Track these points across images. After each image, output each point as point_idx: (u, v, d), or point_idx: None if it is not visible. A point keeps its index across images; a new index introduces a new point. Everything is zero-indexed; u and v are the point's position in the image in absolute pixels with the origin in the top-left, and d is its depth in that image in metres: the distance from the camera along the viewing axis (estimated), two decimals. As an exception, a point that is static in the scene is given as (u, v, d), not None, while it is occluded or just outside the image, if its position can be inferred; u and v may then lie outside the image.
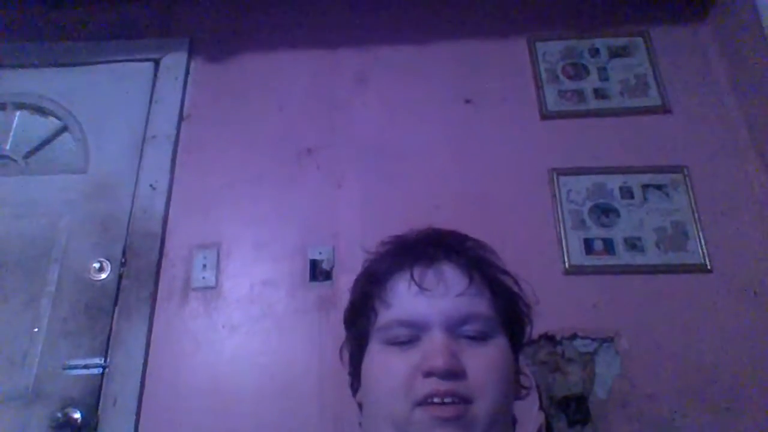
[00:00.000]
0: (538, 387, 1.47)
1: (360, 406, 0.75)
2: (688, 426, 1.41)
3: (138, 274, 1.68)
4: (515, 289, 0.73)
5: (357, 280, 0.77)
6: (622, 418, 1.44)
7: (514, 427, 0.70)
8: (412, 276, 0.67)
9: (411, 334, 0.65)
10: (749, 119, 1.75)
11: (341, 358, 0.78)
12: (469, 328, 0.65)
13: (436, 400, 0.60)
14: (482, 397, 0.61)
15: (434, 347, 0.62)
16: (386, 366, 0.65)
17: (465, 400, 0.60)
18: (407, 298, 0.67)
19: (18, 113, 1.96)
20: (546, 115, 1.84)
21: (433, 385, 0.60)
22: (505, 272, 0.73)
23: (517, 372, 0.71)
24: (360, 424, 0.77)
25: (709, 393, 1.44)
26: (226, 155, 1.86)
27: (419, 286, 0.67)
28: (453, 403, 0.60)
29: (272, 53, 2.03)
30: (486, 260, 0.72)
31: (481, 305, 0.67)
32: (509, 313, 0.70)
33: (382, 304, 0.69)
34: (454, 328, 0.65)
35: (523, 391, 0.73)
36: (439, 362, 0.61)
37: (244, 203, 1.78)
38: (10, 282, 1.67)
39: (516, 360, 0.71)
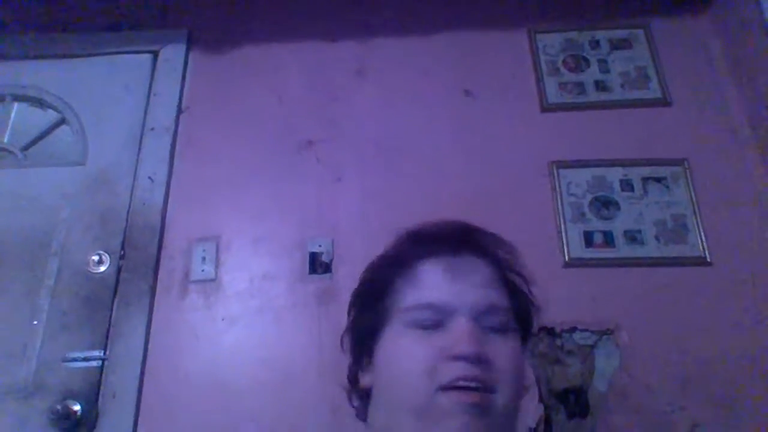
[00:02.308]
0: (537, 379, 1.47)
1: (356, 394, 0.76)
2: (687, 418, 1.41)
3: (137, 267, 1.67)
4: (525, 290, 0.76)
5: (377, 264, 0.79)
6: (621, 411, 1.44)
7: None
8: (443, 263, 0.70)
9: (437, 319, 0.67)
10: (750, 112, 1.75)
11: (342, 346, 0.79)
12: (492, 319, 0.67)
13: (462, 383, 0.61)
14: (503, 388, 0.63)
15: (463, 332, 0.64)
16: (410, 348, 0.66)
17: (488, 389, 0.62)
18: (437, 283, 0.69)
19: (16, 105, 1.95)
20: (546, 108, 1.83)
21: (461, 369, 0.62)
22: (520, 273, 0.76)
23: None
24: (355, 408, 0.77)
25: (708, 386, 1.44)
26: (225, 147, 1.85)
27: (444, 269, 0.69)
28: (477, 389, 0.61)
29: (271, 45, 2.01)
30: (506, 259, 0.75)
31: (502, 299, 0.70)
32: (520, 311, 0.73)
33: (410, 286, 0.70)
34: (478, 317, 0.67)
35: (524, 391, 0.74)
36: (470, 347, 0.63)
37: (244, 195, 1.78)
38: (9, 275, 1.67)
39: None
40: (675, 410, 1.43)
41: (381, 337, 0.70)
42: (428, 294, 0.68)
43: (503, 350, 0.65)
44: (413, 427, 0.62)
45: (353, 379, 0.77)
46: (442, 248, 0.72)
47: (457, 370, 0.62)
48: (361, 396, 0.76)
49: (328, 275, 1.65)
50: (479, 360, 0.62)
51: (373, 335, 0.72)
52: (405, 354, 0.66)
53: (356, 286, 0.81)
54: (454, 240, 0.74)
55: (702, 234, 1.60)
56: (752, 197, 1.66)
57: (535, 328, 0.78)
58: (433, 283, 0.69)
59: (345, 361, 0.80)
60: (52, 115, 1.93)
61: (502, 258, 0.75)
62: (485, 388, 0.62)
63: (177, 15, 2.08)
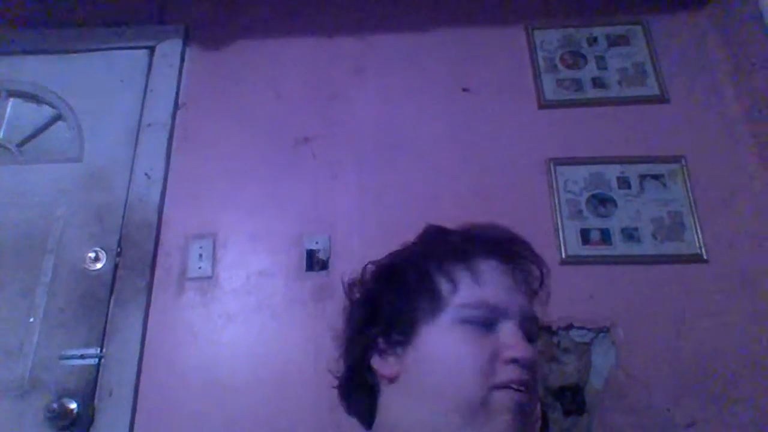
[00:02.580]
0: (534, 377, 1.48)
1: (356, 381, 0.74)
2: (684, 416, 1.42)
3: (134, 264, 1.67)
4: (545, 308, 0.78)
5: (410, 253, 0.77)
6: (617, 408, 1.44)
7: None
8: (501, 265, 0.72)
9: (491, 318, 0.68)
10: (747, 109, 1.74)
11: (345, 323, 0.79)
12: (530, 328, 0.70)
13: (513, 386, 0.64)
14: (535, 391, 0.67)
15: (517, 336, 0.67)
16: (464, 345, 0.66)
17: (531, 390, 0.65)
18: (495, 284, 0.70)
19: (11, 101, 1.94)
20: (544, 104, 1.83)
21: (516, 372, 0.64)
22: (546, 291, 0.78)
23: None
24: (354, 406, 0.76)
25: (704, 383, 1.45)
26: (221, 144, 1.84)
27: (506, 275, 0.71)
28: (523, 390, 0.64)
29: (268, 41, 2.01)
30: (542, 275, 0.77)
31: (535, 310, 0.73)
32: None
33: (468, 283, 0.70)
34: (523, 323, 0.69)
35: None
36: (526, 352, 0.65)
37: (240, 192, 1.77)
38: (5, 272, 1.67)
39: None
40: (671, 407, 1.43)
41: (424, 328, 0.68)
42: (488, 292, 0.69)
43: (535, 357, 0.68)
44: (454, 425, 0.62)
45: (356, 364, 0.74)
46: (497, 250, 0.73)
47: (511, 373, 0.64)
48: (364, 388, 0.73)
49: (324, 272, 1.64)
50: (530, 364, 0.65)
51: (413, 324, 0.69)
52: (459, 350, 0.66)
53: (385, 267, 0.77)
54: (507, 245, 0.75)
55: (699, 231, 1.61)
56: (749, 195, 1.66)
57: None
58: (492, 283, 0.70)
59: (341, 347, 0.78)
60: (48, 111, 1.92)
61: (541, 273, 0.77)
62: (529, 389, 0.65)
63: (174, 10, 2.07)
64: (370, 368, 0.72)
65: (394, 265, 0.76)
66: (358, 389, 0.75)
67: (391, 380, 0.70)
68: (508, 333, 0.67)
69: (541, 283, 0.77)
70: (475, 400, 0.62)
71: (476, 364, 0.64)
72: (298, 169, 1.79)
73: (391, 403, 0.70)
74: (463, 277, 0.70)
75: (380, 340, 0.71)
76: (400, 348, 0.69)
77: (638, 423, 1.42)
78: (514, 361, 0.65)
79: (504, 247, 0.75)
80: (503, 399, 0.63)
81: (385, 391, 0.71)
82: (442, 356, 0.66)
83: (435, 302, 0.69)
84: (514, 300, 0.70)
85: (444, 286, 0.70)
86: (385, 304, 0.73)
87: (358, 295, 0.79)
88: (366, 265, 0.80)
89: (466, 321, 0.67)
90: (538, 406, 0.75)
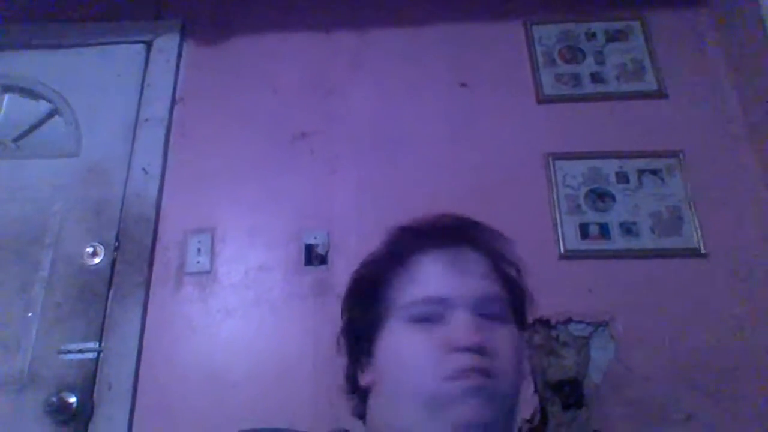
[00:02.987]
0: (533, 371, 1.48)
1: (355, 394, 0.76)
2: (682, 410, 1.42)
3: (132, 259, 1.67)
4: (519, 280, 0.77)
5: (370, 262, 0.79)
6: (616, 402, 1.45)
7: None
8: (440, 256, 0.71)
9: (436, 312, 0.67)
10: (745, 104, 1.75)
11: (338, 345, 0.78)
12: (490, 309, 0.69)
13: (466, 374, 0.63)
14: (504, 374, 0.65)
15: (464, 324, 0.66)
16: (413, 343, 0.67)
17: (491, 375, 0.63)
18: (435, 277, 0.70)
19: (7, 96, 1.93)
20: (542, 99, 1.83)
21: (465, 360, 0.63)
22: (513, 264, 0.77)
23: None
24: (353, 407, 0.77)
25: (702, 377, 1.45)
26: (219, 139, 1.84)
27: (444, 263, 0.70)
28: (479, 376, 0.63)
29: (266, 36, 2.00)
30: (500, 250, 0.76)
31: (498, 289, 0.71)
32: (515, 301, 0.74)
33: (408, 282, 0.71)
34: (477, 308, 0.68)
35: (522, 377, 0.74)
36: (471, 338, 0.64)
37: (238, 187, 1.77)
38: (3, 267, 1.66)
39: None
40: (669, 401, 1.44)
41: (380, 335, 0.71)
42: (427, 288, 0.69)
43: (500, 339, 0.67)
44: (422, 419, 0.63)
45: (352, 380, 0.77)
46: (437, 242, 0.73)
47: (460, 361, 0.63)
48: (360, 396, 0.76)
49: (324, 267, 1.64)
50: (480, 350, 0.64)
51: (372, 334, 0.72)
52: (409, 349, 0.67)
53: (349, 285, 0.80)
54: (449, 233, 0.74)
55: (697, 226, 1.61)
56: (747, 189, 1.66)
57: (529, 318, 0.79)
58: (431, 277, 0.70)
59: (341, 361, 0.79)
60: (44, 106, 1.91)
61: (496, 249, 0.75)
62: (488, 374, 0.63)
63: (171, 5, 2.07)
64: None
65: (357, 279, 0.79)
66: (358, 399, 0.77)
67: (371, 389, 0.72)
68: (456, 322, 0.66)
69: (504, 256, 0.76)
70: (433, 394, 0.63)
71: (423, 359, 0.65)
72: (296, 164, 1.79)
73: (372, 407, 0.73)
74: (402, 279, 0.72)
75: (363, 357, 0.74)
76: (372, 358, 0.72)
77: (636, 416, 1.43)
78: (460, 349, 0.64)
79: (444, 235, 0.74)
80: (456, 388, 0.62)
81: (370, 397, 0.74)
82: (398, 358, 0.68)
83: (386, 308, 0.71)
84: (462, 286, 0.69)
85: (391, 290, 0.72)
86: (356, 320, 0.76)
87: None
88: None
89: (413, 319, 0.68)
90: (526, 389, 0.75)
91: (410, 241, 0.75)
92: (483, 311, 0.68)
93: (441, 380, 0.63)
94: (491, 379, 0.63)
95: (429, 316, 0.67)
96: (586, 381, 1.48)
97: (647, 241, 1.61)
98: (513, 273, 0.76)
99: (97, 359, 1.56)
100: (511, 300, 0.73)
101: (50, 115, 1.90)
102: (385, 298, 0.72)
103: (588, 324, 1.53)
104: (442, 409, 0.62)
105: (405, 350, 0.67)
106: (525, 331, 0.79)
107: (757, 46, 1.69)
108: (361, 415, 0.77)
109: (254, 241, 1.70)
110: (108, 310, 1.61)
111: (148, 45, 1.99)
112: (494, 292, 0.70)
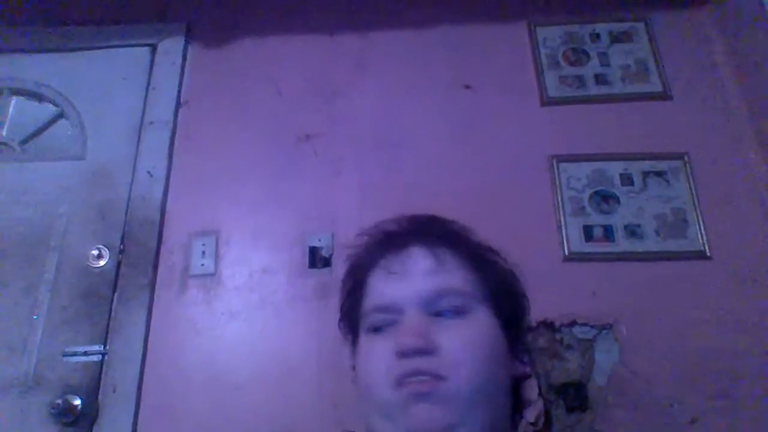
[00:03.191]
0: (537, 373, 1.47)
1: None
2: (686, 412, 1.42)
3: (137, 261, 1.67)
4: (500, 262, 0.74)
5: (344, 278, 0.79)
6: (620, 405, 1.44)
7: (520, 408, 0.71)
8: (387, 263, 0.70)
9: (389, 319, 0.67)
10: (750, 106, 1.74)
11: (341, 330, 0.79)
12: (444, 304, 0.66)
13: (411, 379, 0.61)
14: (456, 373, 0.61)
15: (404, 328, 0.64)
16: (369, 353, 0.67)
17: (437, 377, 0.61)
18: (380, 285, 0.70)
19: (14, 99, 1.94)
20: (546, 101, 1.82)
21: (406, 365, 0.62)
22: (484, 247, 0.74)
23: (513, 347, 0.70)
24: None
25: (707, 380, 1.44)
26: (224, 141, 1.85)
27: (388, 270, 0.69)
28: (427, 378, 0.61)
29: (270, 39, 2.01)
30: (458, 237, 0.74)
31: (453, 280, 0.68)
32: (492, 287, 0.70)
33: (365, 294, 0.71)
34: (427, 306, 0.66)
35: (520, 367, 0.71)
36: (405, 341, 0.62)
37: (243, 190, 1.77)
38: (9, 269, 1.67)
39: (511, 335, 0.70)
40: (674, 404, 1.43)
41: (356, 348, 0.72)
42: (373, 299, 0.70)
43: (455, 334, 0.64)
44: (383, 429, 0.63)
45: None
46: (388, 248, 0.72)
47: (402, 366, 0.62)
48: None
49: (327, 269, 1.64)
50: (422, 351, 0.62)
51: (354, 346, 0.74)
52: (366, 359, 0.67)
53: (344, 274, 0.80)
54: (400, 234, 0.74)
55: (702, 228, 1.60)
56: (752, 191, 1.66)
57: (524, 298, 0.75)
58: (376, 286, 0.70)
59: (345, 352, 0.79)
60: (50, 109, 1.92)
61: (454, 236, 0.73)
62: (433, 376, 0.61)
63: (175, 8, 2.08)
64: None
65: (342, 290, 0.79)
66: None
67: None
68: (401, 326, 0.65)
69: (465, 241, 0.73)
70: (386, 402, 0.62)
71: (376, 369, 0.64)
72: (300, 167, 1.79)
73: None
74: (359, 292, 0.73)
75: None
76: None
77: (641, 419, 1.42)
78: (400, 354, 0.62)
79: (395, 239, 0.73)
80: (402, 395, 0.61)
81: None
82: (360, 368, 0.69)
83: (357, 319, 0.73)
84: (407, 288, 0.67)
85: (355, 306, 0.73)
86: (345, 330, 0.77)
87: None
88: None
89: (370, 329, 0.68)
90: (535, 398, 0.73)
91: (363, 252, 0.76)
92: (436, 306, 0.66)
93: (390, 388, 0.62)
94: (442, 381, 0.60)
95: (383, 324, 0.67)
96: (590, 384, 1.47)
97: (652, 243, 1.60)
98: (488, 256, 0.73)
99: (101, 361, 1.56)
100: (484, 288, 0.69)
101: (56, 118, 1.91)
102: (356, 311, 0.73)
103: (592, 327, 1.52)
104: (395, 417, 0.61)
105: (364, 360, 0.68)
106: (518, 319, 0.73)
107: (762, 48, 1.68)
108: None
109: (258, 243, 1.70)
110: (113, 312, 1.62)
111: (153, 48, 1.99)
112: (449, 285, 0.67)
